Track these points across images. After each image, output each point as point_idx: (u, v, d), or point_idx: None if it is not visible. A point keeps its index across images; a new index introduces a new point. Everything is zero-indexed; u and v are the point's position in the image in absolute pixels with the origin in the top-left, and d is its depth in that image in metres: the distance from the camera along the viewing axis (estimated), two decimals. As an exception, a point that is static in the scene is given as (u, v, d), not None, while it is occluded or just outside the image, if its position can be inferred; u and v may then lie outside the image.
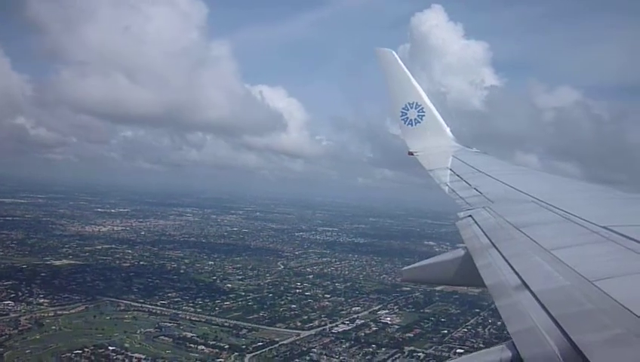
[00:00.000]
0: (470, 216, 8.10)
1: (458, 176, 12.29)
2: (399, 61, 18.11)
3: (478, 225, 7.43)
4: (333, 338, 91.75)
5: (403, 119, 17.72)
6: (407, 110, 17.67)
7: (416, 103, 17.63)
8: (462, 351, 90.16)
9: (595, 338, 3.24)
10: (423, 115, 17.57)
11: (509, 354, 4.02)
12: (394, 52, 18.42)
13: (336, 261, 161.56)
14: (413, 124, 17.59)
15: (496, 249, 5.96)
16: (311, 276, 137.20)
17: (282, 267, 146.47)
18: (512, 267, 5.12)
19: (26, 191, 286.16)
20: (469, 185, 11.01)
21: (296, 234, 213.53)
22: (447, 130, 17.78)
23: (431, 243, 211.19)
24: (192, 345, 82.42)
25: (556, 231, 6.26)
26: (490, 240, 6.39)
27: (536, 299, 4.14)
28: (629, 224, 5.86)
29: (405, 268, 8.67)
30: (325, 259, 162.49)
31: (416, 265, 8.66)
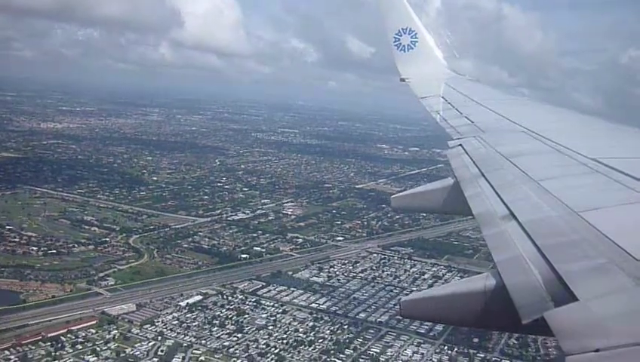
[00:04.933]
0: (460, 145, 8.22)
1: (450, 104, 12.35)
2: None
3: (467, 154, 7.55)
4: (224, 224, 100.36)
5: (396, 45, 17.46)
6: (401, 35, 17.39)
7: (410, 29, 17.37)
8: (340, 238, 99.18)
9: (578, 268, 3.40)
10: (417, 41, 17.36)
11: (492, 281, 4.03)
12: None
13: (275, 159, 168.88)
14: (406, 49, 17.38)
15: (485, 179, 6.07)
16: (240, 172, 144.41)
17: (218, 163, 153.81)
18: (500, 197, 5.24)
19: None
20: (461, 113, 11.10)
21: (253, 134, 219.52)
22: (441, 56, 17.64)
23: (383, 145, 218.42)
24: (86, 227, 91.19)
25: (545, 162, 6.40)
26: (480, 170, 6.52)
27: (523, 228, 4.27)
28: (618, 156, 5.97)
29: (394, 195, 8.90)
30: (265, 158, 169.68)
31: (406, 193, 8.94)
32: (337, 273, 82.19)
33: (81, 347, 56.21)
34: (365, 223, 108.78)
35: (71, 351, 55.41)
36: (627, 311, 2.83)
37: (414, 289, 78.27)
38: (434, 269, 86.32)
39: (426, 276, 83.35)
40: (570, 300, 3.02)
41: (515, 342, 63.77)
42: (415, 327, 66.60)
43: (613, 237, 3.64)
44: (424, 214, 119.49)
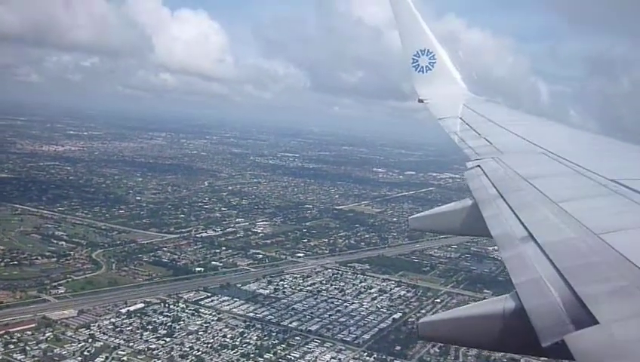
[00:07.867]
0: (479, 166, 8.26)
1: (468, 125, 12.46)
2: (412, 6, 17.74)
3: (486, 175, 7.57)
4: (191, 241, 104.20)
5: (414, 66, 17.69)
6: (419, 57, 17.62)
7: (428, 50, 17.63)
8: (301, 254, 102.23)
9: (598, 291, 3.33)
10: (435, 62, 17.58)
11: (512, 304, 3.97)
12: None
13: (265, 182, 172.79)
14: (424, 71, 17.61)
15: (504, 200, 6.11)
16: (225, 193, 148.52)
17: (206, 185, 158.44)
18: (518, 218, 5.25)
19: (8, 114, 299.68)
20: (479, 134, 11.16)
21: (252, 158, 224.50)
22: (459, 77, 17.74)
23: (379, 169, 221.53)
24: (55, 241, 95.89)
25: (565, 184, 6.42)
26: (498, 191, 6.55)
27: (542, 250, 4.25)
28: (637, 177, 5.98)
29: (412, 216, 8.93)
30: (255, 181, 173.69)
31: (424, 214, 8.91)
32: (285, 286, 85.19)
33: (12, 346, 60.21)
34: (332, 241, 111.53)
35: (2, 349, 59.40)
36: None
37: (355, 302, 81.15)
38: (383, 284, 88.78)
39: (372, 290, 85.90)
40: (591, 323, 3.00)
41: (437, 350, 66.04)
42: (342, 336, 69.38)
43: (634, 260, 3.64)
44: (394, 233, 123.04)
